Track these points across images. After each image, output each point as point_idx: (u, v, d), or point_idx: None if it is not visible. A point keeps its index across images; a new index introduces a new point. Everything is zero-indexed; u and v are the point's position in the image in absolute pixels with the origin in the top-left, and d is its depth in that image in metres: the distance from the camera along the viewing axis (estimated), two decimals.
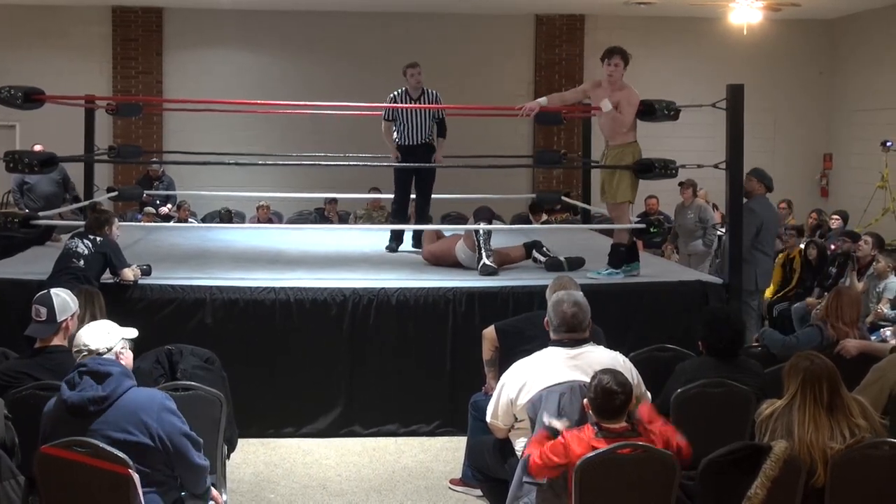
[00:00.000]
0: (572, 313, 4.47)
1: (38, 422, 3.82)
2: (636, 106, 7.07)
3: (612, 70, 7.06)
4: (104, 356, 3.86)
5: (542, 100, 7.64)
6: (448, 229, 8.67)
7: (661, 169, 7.07)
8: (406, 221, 9.03)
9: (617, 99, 7.06)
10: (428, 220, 9.34)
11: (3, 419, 3.75)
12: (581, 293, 4.73)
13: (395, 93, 8.38)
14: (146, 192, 11.81)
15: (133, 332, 4.06)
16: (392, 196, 8.92)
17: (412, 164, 8.35)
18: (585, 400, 3.96)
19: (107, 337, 3.94)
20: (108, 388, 3.71)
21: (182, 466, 3.86)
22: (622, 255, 7.27)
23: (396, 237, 8.67)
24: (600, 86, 7.22)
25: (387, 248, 8.62)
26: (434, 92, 8.44)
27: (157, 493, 3.79)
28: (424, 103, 8.32)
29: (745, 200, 8.15)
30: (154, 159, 13.00)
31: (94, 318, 4.84)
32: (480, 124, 13.66)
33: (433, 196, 8.83)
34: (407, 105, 8.31)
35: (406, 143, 8.36)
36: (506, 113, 14.20)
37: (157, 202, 12.54)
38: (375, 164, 8.74)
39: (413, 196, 8.75)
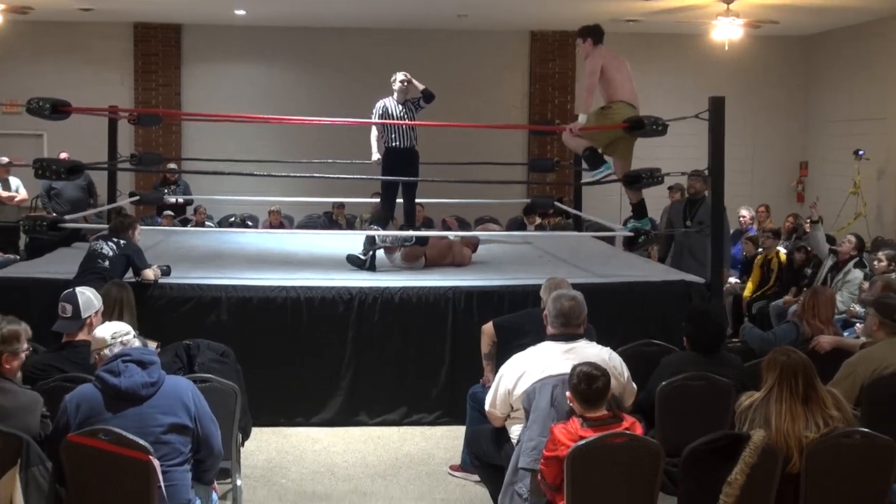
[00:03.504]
0: (570, 306, 4.52)
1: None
2: (591, 70, 7.32)
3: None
4: (139, 347, 3.88)
5: (582, 117, 7.56)
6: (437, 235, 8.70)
7: (648, 178, 7.12)
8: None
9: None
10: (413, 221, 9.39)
11: (41, 417, 3.75)
12: (577, 291, 4.76)
13: (389, 100, 8.45)
14: (164, 189, 11.84)
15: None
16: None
17: (417, 178, 8.40)
18: (568, 392, 3.97)
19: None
20: (154, 374, 3.74)
21: (205, 450, 3.87)
22: (597, 157, 7.56)
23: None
24: None
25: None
26: (414, 99, 8.52)
27: (187, 472, 3.81)
28: (409, 111, 8.40)
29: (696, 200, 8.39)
30: (171, 166, 12.97)
31: (122, 310, 4.89)
32: (478, 134, 13.70)
33: (435, 202, 8.83)
34: (418, 122, 8.44)
35: (397, 145, 8.43)
36: (499, 126, 14.33)
37: (176, 200, 12.45)
38: (379, 173, 8.72)
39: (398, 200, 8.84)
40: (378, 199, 9.64)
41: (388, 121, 8.32)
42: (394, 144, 8.39)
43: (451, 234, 8.55)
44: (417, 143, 8.50)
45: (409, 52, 14.35)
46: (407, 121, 8.29)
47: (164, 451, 3.65)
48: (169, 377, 3.83)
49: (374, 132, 8.62)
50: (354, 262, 7.62)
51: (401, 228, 8.49)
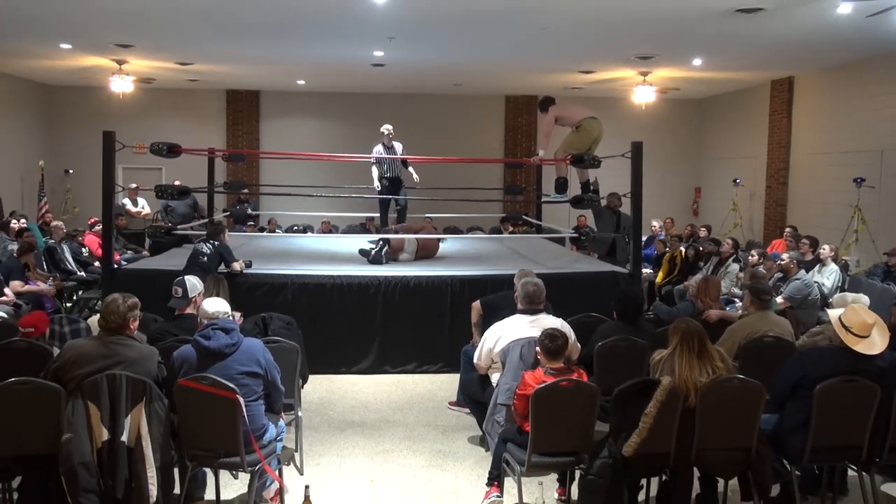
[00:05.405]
0: (533, 290, 4.51)
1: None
2: (548, 122, 7.53)
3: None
4: (225, 318, 3.85)
5: (541, 152, 7.69)
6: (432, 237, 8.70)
7: (588, 201, 7.19)
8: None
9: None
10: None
11: (158, 364, 3.74)
12: (539, 279, 4.74)
13: (380, 145, 8.63)
14: (241, 206, 11.81)
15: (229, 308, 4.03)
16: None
17: (419, 198, 8.44)
18: (538, 348, 3.96)
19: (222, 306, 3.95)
20: (234, 337, 3.72)
21: (272, 389, 3.85)
22: (563, 186, 7.74)
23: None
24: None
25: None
26: (397, 144, 8.71)
27: (261, 405, 3.80)
28: (394, 151, 8.66)
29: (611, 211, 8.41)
30: (244, 190, 12.90)
31: (220, 294, 4.85)
32: (469, 167, 13.68)
33: (440, 216, 8.84)
34: (420, 158, 8.52)
35: (388, 176, 8.66)
36: (483, 160, 14.30)
37: (250, 212, 12.42)
38: (398, 196, 8.81)
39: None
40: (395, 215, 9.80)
41: (409, 157, 8.46)
42: (386, 175, 8.60)
43: (418, 236, 8.53)
44: (402, 173, 8.68)
45: (419, 110, 14.42)
46: (397, 156, 8.56)
47: (244, 392, 3.63)
48: (246, 339, 3.80)
49: (374, 169, 8.86)
50: (364, 254, 7.67)
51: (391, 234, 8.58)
